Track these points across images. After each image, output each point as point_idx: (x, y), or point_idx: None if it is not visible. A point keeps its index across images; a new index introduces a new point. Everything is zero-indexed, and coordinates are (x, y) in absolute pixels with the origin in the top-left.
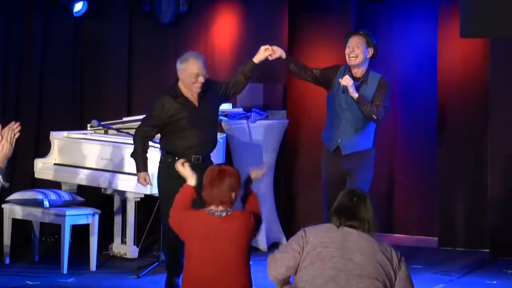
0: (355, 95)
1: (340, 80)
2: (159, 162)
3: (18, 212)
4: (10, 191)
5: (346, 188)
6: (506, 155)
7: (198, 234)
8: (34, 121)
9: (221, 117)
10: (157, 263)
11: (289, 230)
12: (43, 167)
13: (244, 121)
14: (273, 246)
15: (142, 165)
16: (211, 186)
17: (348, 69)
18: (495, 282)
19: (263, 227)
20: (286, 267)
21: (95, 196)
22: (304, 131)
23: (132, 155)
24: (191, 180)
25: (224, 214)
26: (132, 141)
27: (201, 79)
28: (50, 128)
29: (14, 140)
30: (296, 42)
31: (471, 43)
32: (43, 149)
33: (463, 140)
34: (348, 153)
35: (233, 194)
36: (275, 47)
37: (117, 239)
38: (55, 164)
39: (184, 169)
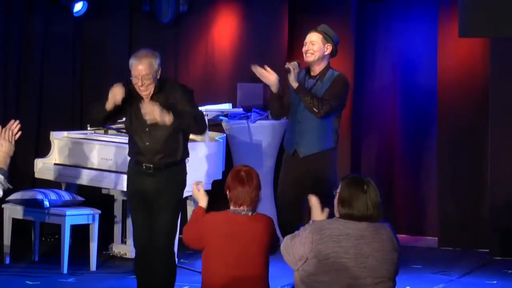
0: (295, 84)
1: (287, 63)
2: None
3: (18, 212)
4: (10, 191)
5: (348, 177)
6: (506, 155)
7: (223, 233)
8: (34, 121)
9: (221, 117)
10: None
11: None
12: (43, 167)
13: (244, 121)
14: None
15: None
16: (242, 187)
17: (307, 70)
18: (495, 282)
19: None
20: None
21: (95, 196)
22: None
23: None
24: (202, 202)
25: (250, 213)
26: None
27: (139, 84)
28: (50, 128)
29: (14, 139)
30: (296, 42)
31: (471, 43)
32: (43, 149)
33: (463, 140)
34: (305, 155)
35: (260, 193)
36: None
37: (117, 239)
38: (55, 164)
39: (198, 192)
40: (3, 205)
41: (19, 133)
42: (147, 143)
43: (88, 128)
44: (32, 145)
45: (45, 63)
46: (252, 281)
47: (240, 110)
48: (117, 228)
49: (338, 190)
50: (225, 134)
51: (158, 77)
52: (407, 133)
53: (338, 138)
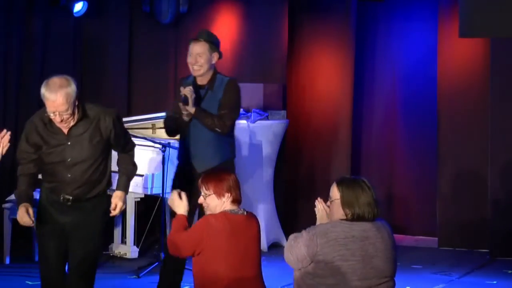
0: (192, 110)
1: (181, 88)
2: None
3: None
4: (10, 191)
5: (344, 180)
6: (506, 155)
7: (226, 234)
8: None
9: None
10: (157, 263)
11: (289, 230)
12: None
13: (244, 121)
14: (273, 246)
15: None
16: (237, 186)
17: (193, 80)
18: (495, 282)
19: (263, 227)
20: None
21: None
22: (304, 131)
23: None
24: (183, 210)
25: (245, 212)
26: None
27: (57, 119)
28: None
29: (4, 149)
30: (296, 42)
31: (471, 43)
32: None
33: (463, 140)
34: (203, 170)
35: None
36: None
37: (117, 239)
38: None
39: (180, 200)
40: (3, 205)
41: (8, 145)
42: (69, 175)
43: None
44: None
45: (45, 63)
46: (254, 281)
47: (240, 110)
48: (117, 228)
49: (337, 195)
50: None
51: (77, 103)
52: (407, 133)
53: (235, 145)
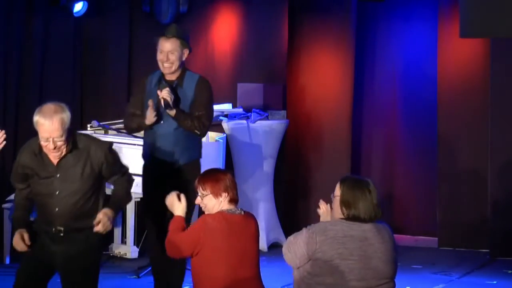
0: (172, 112)
1: (159, 92)
2: None
3: None
4: (10, 191)
5: (348, 179)
6: (506, 155)
7: (224, 233)
8: None
9: (221, 117)
10: None
11: (289, 230)
12: None
13: (244, 121)
14: (273, 246)
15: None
16: (234, 186)
17: (160, 77)
18: (495, 282)
19: (263, 227)
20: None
21: None
22: (304, 131)
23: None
24: (181, 212)
25: (242, 212)
26: (132, 140)
27: (50, 146)
28: None
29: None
30: (296, 42)
31: (471, 43)
32: None
33: (463, 140)
34: (169, 169)
35: None
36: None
37: (117, 239)
38: None
39: (179, 202)
40: (3, 205)
41: (4, 143)
42: (57, 209)
43: (88, 128)
44: None
45: (45, 63)
46: (252, 281)
47: (240, 110)
48: (117, 228)
49: (338, 193)
50: (225, 134)
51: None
52: (407, 133)
53: (201, 144)
